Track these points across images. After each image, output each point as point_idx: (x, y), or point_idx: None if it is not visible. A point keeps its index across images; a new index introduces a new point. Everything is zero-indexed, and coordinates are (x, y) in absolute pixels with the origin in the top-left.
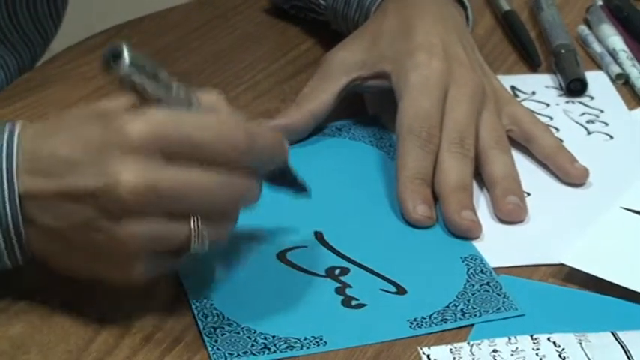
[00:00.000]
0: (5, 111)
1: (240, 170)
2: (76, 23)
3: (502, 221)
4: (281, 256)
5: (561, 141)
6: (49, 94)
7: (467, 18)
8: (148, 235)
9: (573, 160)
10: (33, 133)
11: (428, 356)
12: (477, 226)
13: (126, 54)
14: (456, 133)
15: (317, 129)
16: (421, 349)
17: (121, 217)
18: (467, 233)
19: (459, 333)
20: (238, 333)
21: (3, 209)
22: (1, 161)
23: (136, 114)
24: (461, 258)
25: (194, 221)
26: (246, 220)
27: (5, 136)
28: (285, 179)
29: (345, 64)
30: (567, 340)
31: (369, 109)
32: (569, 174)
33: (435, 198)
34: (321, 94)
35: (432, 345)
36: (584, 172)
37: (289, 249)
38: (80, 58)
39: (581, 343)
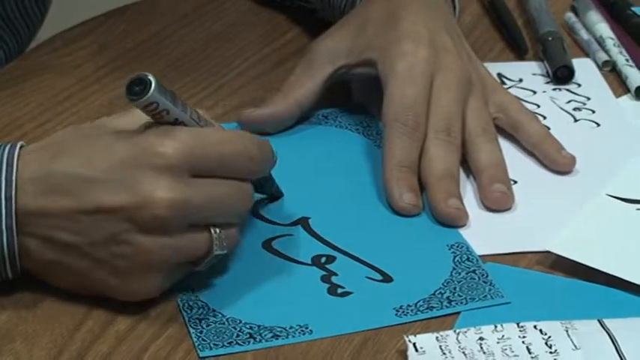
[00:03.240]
0: None
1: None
2: (62, 12)
3: (488, 209)
4: (267, 244)
5: (548, 128)
6: (34, 83)
7: (453, 6)
8: (174, 246)
9: (560, 147)
10: (38, 156)
11: (414, 344)
12: (464, 214)
13: (153, 81)
14: (442, 120)
15: (303, 117)
16: (407, 337)
17: (153, 231)
18: (453, 221)
19: (445, 321)
20: (223, 324)
21: None
22: None
23: (163, 134)
24: (447, 246)
25: (214, 228)
26: None
27: (4, 162)
28: (267, 185)
29: (331, 52)
30: (554, 327)
31: (355, 97)
32: (556, 162)
33: (422, 186)
34: (307, 82)
35: (418, 333)
36: (571, 160)
37: (275, 237)
38: (65, 48)
39: (567, 331)
